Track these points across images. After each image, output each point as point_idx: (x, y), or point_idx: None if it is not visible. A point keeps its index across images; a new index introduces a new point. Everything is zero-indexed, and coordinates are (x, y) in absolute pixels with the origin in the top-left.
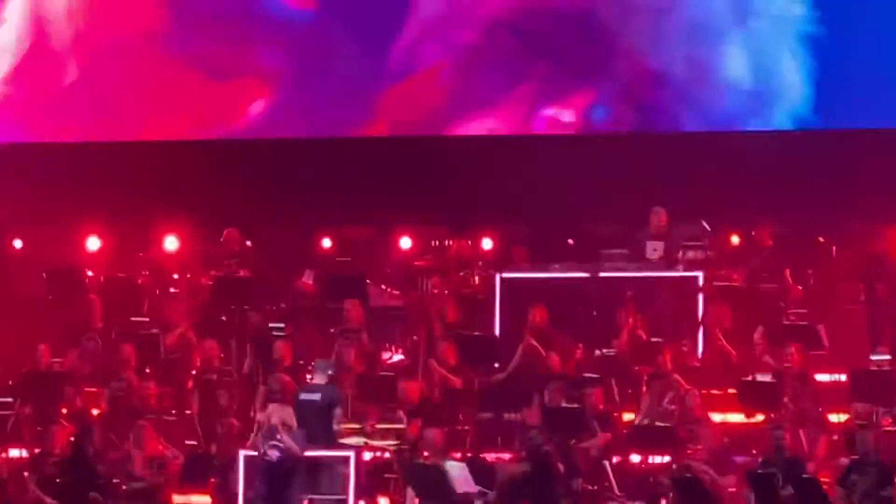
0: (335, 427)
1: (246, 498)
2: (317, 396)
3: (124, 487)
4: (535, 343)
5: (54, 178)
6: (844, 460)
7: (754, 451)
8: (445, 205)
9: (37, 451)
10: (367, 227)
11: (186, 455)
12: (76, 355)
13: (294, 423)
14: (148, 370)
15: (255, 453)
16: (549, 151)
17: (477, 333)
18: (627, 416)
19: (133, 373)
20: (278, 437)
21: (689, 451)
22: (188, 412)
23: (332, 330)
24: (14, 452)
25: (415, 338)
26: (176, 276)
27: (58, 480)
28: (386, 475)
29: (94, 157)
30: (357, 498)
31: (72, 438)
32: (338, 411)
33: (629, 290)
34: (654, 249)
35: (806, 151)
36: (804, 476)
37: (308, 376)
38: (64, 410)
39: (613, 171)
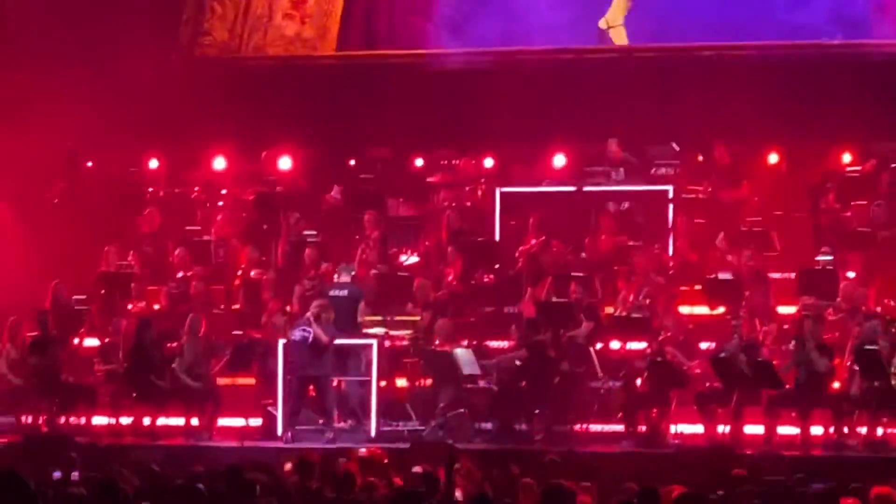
0: (359, 319)
1: (284, 378)
2: (344, 292)
3: (177, 371)
4: (532, 246)
5: (119, 104)
6: (792, 346)
7: (716, 339)
8: (453, 128)
9: (106, 340)
10: (386, 149)
11: (233, 343)
12: (138, 259)
13: (331, 317)
14: (200, 271)
15: (288, 339)
16: (541, 80)
17: (480, 239)
18: (608, 309)
19: (187, 273)
20: (306, 326)
21: (660, 338)
22: (235, 307)
23: (356, 237)
24: (88, 342)
25: (427, 243)
26: (223, 192)
27: (123, 366)
28: (403, 360)
29: (150, 86)
30: (379, 379)
31: (133, 330)
32: (361, 305)
33: (610, 202)
34: (616, 174)
35: (766, 77)
36: (759, 359)
37: (335, 276)
38: (129, 306)
39: (597, 96)
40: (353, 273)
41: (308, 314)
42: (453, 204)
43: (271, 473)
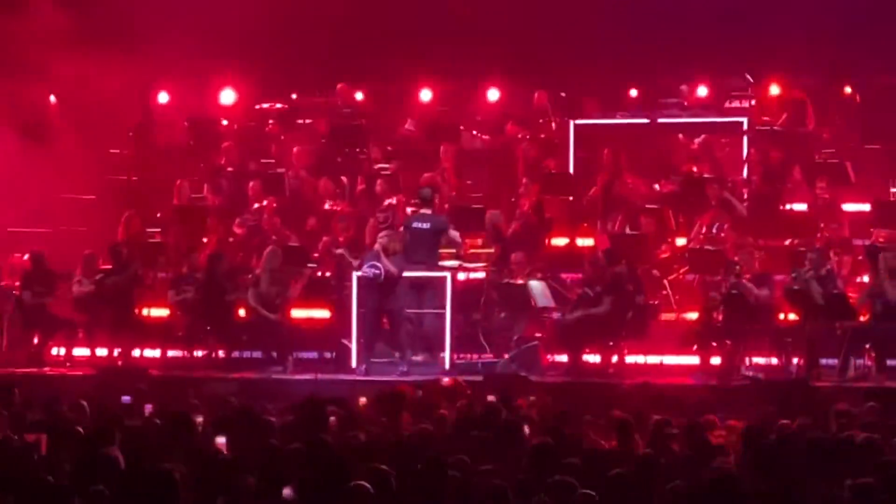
0: (454, 249)
1: (358, 312)
2: (426, 225)
3: (251, 302)
4: (607, 178)
5: (195, 35)
6: (866, 278)
7: (790, 271)
8: (528, 60)
9: (183, 271)
10: (460, 80)
11: (308, 276)
12: (212, 192)
13: (399, 248)
14: (274, 204)
15: (361, 273)
16: (615, 12)
17: (554, 171)
18: (681, 241)
19: (261, 205)
20: (375, 262)
21: (735, 271)
22: (308, 239)
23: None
24: (163, 275)
25: (500, 175)
26: (300, 122)
27: (196, 298)
28: (477, 292)
29: (231, 20)
30: (453, 311)
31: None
32: (450, 234)
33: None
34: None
35: (841, 9)
36: (834, 291)
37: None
38: (204, 239)
39: (671, 29)
40: (428, 198)
41: (375, 247)
42: (527, 136)
43: (347, 406)
